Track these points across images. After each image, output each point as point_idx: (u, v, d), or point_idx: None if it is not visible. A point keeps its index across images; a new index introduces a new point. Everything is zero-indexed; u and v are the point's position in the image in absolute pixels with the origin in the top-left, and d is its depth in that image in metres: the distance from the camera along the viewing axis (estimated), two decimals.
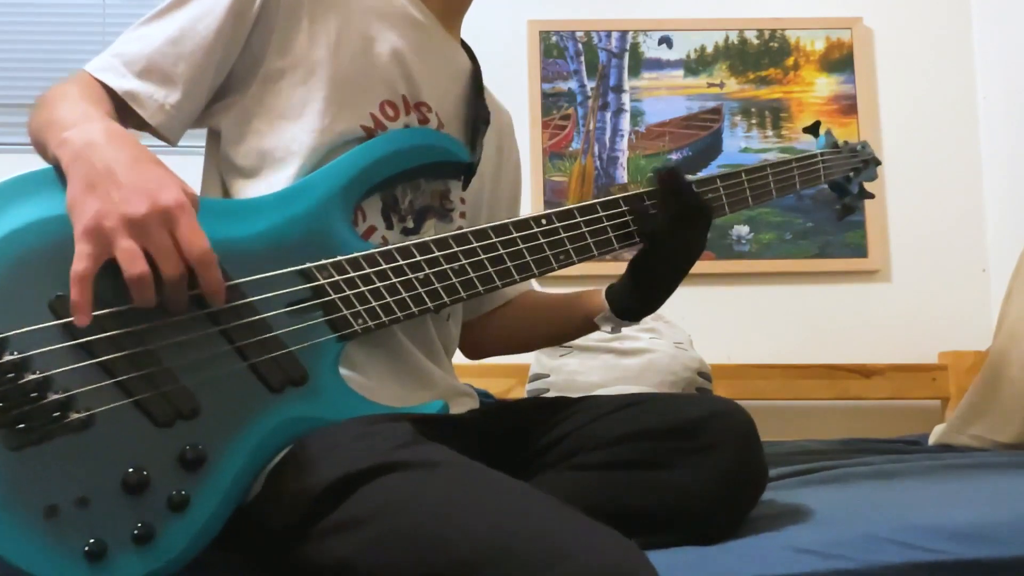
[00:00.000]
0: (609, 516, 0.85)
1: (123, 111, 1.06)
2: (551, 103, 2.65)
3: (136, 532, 0.83)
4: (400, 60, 1.17)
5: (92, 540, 0.81)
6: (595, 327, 1.31)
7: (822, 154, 1.41)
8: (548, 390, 2.11)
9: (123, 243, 0.84)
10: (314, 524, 0.89)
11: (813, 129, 1.47)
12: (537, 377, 2.16)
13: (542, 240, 1.13)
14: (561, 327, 1.38)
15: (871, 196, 1.49)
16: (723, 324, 2.54)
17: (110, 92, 1.06)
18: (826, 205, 2.61)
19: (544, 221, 1.14)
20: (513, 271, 1.11)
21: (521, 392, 2.25)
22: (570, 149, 2.63)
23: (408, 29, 1.20)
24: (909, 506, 1.19)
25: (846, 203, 1.47)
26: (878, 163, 1.49)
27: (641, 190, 1.20)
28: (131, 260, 0.84)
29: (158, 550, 0.84)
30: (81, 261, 0.83)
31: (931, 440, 2.03)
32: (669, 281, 1.23)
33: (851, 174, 1.46)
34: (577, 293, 1.33)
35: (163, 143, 1.11)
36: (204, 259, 0.87)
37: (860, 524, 1.05)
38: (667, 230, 1.17)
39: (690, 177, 1.21)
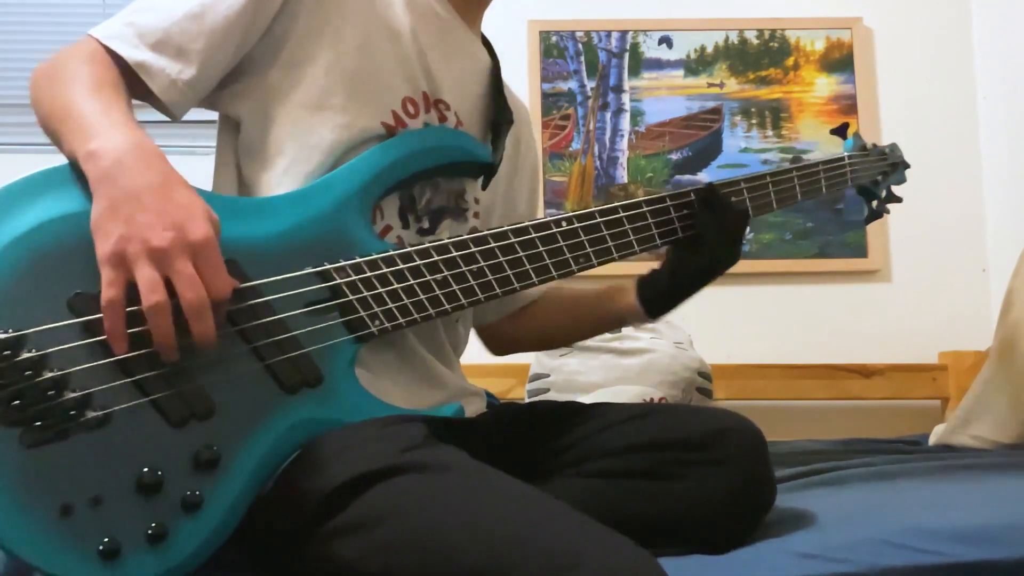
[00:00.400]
0: (615, 524, 0.86)
1: (131, 81, 1.03)
2: (551, 103, 2.64)
3: (150, 532, 0.83)
4: (422, 56, 1.16)
5: (106, 539, 0.81)
6: (625, 324, 1.35)
7: (849, 157, 1.39)
8: (548, 390, 2.11)
9: (144, 271, 0.83)
10: (321, 525, 0.89)
11: (841, 131, 1.44)
12: (537, 377, 2.16)
13: (562, 243, 1.13)
14: (593, 326, 1.40)
15: (899, 200, 1.46)
16: (723, 324, 2.52)
17: (118, 60, 1.02)
18: (826, 205, 2.61)
19: (564, 223, 1.13)
20: (532, 273, 1.11)
21: (521, 392, 2.25)
22: (570, 149, 2.63)
23: (431, 24, 1.18)
24: (911, 508, 1.19)
25: (874, 208, 1.45)
26: (907, 166, 1.46)
27: (664, 193, 1.21)
28: (150, 288, 0.83)
29: (171, 550, 0.84)
30: (109, 289, 0.83)
31: (931, 440, 2.03)
32: (701, 287, 1.25)
33: (879, 178, 1.44)
34: (605, 290, 1.33)
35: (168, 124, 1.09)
36: (222, 300, 0.87)
37: (862, 527, 1.06)
38: (717, 236, 1.20)
39: (715, 181, 1.22)
